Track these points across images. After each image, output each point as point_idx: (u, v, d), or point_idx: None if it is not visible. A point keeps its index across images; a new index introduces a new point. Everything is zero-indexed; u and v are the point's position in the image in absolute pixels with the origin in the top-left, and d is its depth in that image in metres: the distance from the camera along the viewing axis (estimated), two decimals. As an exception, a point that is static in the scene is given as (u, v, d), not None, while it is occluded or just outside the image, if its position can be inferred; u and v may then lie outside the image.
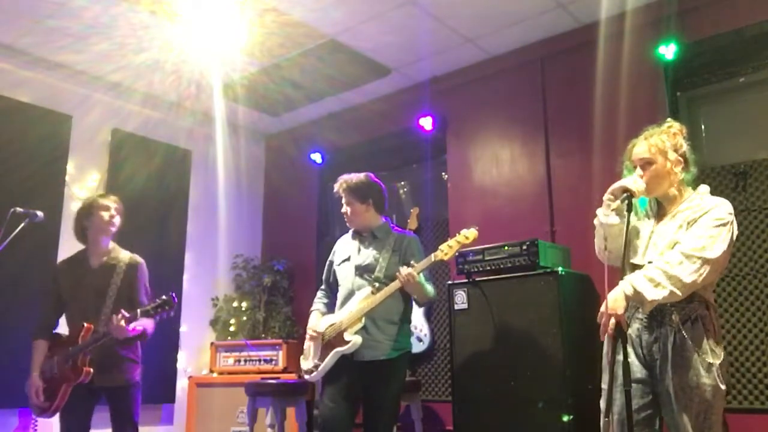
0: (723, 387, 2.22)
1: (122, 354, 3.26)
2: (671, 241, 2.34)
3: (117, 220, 3.37)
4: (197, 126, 5.77)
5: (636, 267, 2.41)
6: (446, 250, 3.01)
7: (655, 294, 2.20)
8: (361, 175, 3.32)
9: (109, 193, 3.50)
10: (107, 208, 3.33)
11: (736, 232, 2.32)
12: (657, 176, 2.40)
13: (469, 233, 3.02)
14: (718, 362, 2.22)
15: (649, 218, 2.51)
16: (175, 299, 3.18)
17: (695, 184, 2.50)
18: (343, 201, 3.32)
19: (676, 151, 2.42)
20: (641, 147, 2.46)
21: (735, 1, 3.85)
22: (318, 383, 3.30)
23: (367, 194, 3.28)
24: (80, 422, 3.23)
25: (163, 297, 3.15)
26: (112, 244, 3.42)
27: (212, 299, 5.70)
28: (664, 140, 2.43)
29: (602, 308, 2.27)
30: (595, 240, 2.50)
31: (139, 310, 3.12)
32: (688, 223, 2.32)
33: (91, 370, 3.15)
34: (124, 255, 3.40)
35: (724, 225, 2.26)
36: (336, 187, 3.33)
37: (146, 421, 4.88)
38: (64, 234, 4.74)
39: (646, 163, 2.42)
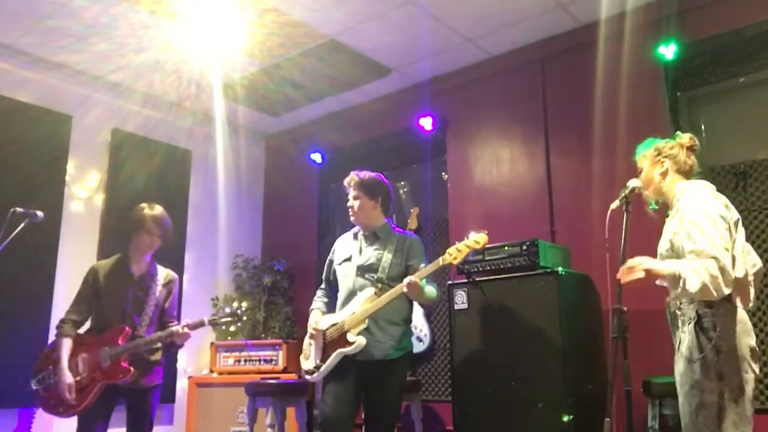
0: (714, 383, 2.19)
1: (151, 357, 3.31)
2: (661, 250, 2.42)
3: (157, 245, 3.42)
4: (197, 126, 5.78)
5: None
6: (455, 255, 2.97)
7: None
8: (373, 174, 3.33)
9: (153, 203, 3.46)
10: (151, 234, 3.35)
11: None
12: (641, 182, 2.59)
13: (480, 238, 2.97)
14: (703, 354, 2.21)
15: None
16: (242, 312, 3.49)
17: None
18: (351, 195, 3.30)
19: (659, 156, 2.54)
20: (638, 153, 2.64)
21: (735, 1, 3.85)
22: (318, 383, 3.29)
23: (376, 192, 3.29)
24: (102, 422, 3.22)
25: (229, 310, 3.46)
26: (151, 258, 3.46)
27: (212, 299, 5.70)
28: (649, 152, 2.58)
29: (638, 260, 2.28)
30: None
31: (206, 318, 3.35)
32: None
33: (134, 370, 3.18)
34: (162, 269, 3.48)
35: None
36: (347, 180, 3.32)
37: (146, 421, 4.91)
38: (64, 234, 4.76)
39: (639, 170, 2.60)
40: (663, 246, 2.43)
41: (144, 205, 3.41)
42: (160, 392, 3.37)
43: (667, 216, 2.51)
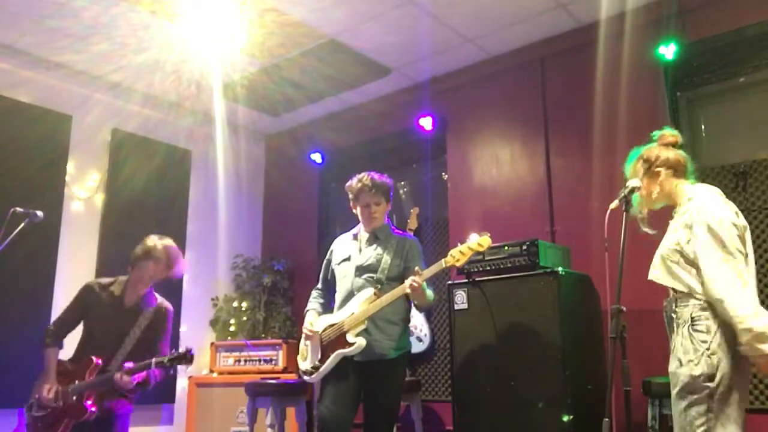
0: (703, 385, 2.19)
1: (125, 400, 3.30)
2: (664, 253, 2.40)
3: (161, 276, 3.38)
4: (197, 126, 5.78)
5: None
6: (458, 257, 2.96)
7: None
8: (383, 176, 3.31)
9: (167, 240, 3.42)
10: (158, 262, 3.30)
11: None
12: (641, 198, 2.54)
13: (483, 240, 2.96)
14: (696, 356, 2.22)
15: None
16: (192, 354, 3.19)
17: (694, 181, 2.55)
18: (371, 200, 3.22)
19: (651, 167, 2.50)
20: (627, 170, 2.60)
21: (735, 1, 3.85)
22: (317, 383, 3.29)
23: (390, 195, 3.31)
24: None
25: (181, 350, 3.17)
26: (149, 289, 3.43)
27: (212, 299, 5.70)
28: (638, 166, 2.54)
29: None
30: None
31: (153, 360, 3.13)
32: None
33: (95, 409, 3.15)
34: (159, 301, 3.44)
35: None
36: (363, 182, 3.22)
37: (146, 421, 4.92)
38: (64, 234, 4.76)
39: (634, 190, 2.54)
40: (668, 243, 2.40)
41: (154, 236, 3.40)
42: (129, 415, 3.34)
43: (675, 214, 2.49)
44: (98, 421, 3.21)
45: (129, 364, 3.18)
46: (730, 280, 2.18)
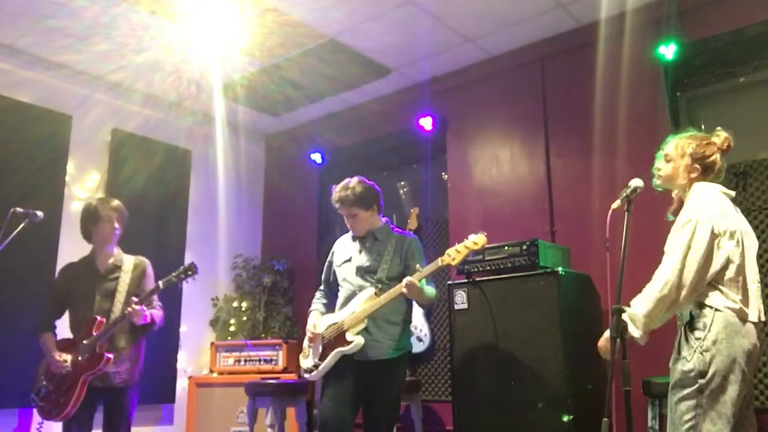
0: (695, 381, 2.20)
1: (125, 354, 3.32)
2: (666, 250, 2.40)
3: (118, 231, 3.47)
4: (197, 126, 5.77)
5: None
6: (454, 255, 2.98)
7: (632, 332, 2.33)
8: (355, 183, 3.23)
9: (110, 197, 3.56)
10: (110, 220, 3.41)
11: (705, 229, 2.27)
12: (668, 173, 2.53)
13: (478, 239, 2.98)
14: (689, 352, 2.24)
15: None
16: (196, 265, 3.32)
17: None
18: (347, 213, 3.24)
19: (698, 159, 2.47)
20: (671, 142, 2.57)
21: (735, 1, 3.85)
22: (318, 383, 3.30)
23: (370, 201, 3.25)
24: (84, 428, 3.26)
25: (185, 265, 3.32)
26: (116, 249, 3.51)
27: (212, 299, 5.70)
28: (689, 144, 2.51)
29: None
30: None
31: (160, 282, 3.28)
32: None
33: (111, 356, 3.21)
34: (129, 257, 3.50)
35: (683, 226, 2.31)
36: (335, 199, 3.25)
37: (146, 421, 4.91)
38: (64, 234, 4.75)
39: (667, 158, 2.54)
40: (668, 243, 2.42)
41: (93, 199, 3.53)
42: (137, 393, 3.38)
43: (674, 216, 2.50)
44: (109, 393, 3.27)
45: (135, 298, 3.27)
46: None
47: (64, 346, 3.32)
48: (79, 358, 3.22)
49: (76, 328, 3.37)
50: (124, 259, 3.48)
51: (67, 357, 3.24)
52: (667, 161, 2.54)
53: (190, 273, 3.29)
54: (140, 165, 5.26)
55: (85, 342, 3.23)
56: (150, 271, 3.53)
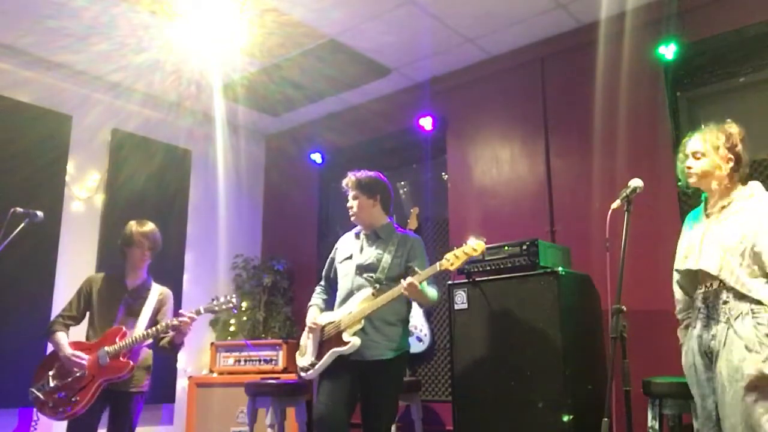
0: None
1: (139, 363, 3.37)
2: (726, 245, 2.37)
3: (149, 258, 3.55)
4: (197, 126, 5.78)
5: (690, 272, 2.47)
6: (452, 260, 2.96)
7: None
8: (371, 172, 3.34)
9: (144, 220, 3.59)
10: (140, 246, 3.48)
11: None
12: (705, 169, 2.52)
13: (477, 245, 2.96)
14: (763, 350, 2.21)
15: (699, 221, 2.55)
16: (239, 302, 3.48)
17: (744, 181, 2.56)
18: (350, 195, 3.31)
19: (730, 149, 2.50)
20: (696, 139, 2.57)
21: (735, 1, 3.85)
22: (314, 382, 3.29)
23: (375, 190, 3.29)
24: (91, 429, 3.28)
25: (228, 297, 3.48)
26: (147, 274, 3.58)
27: (212, 299, 5.69)
28: (719, 136, 2.52)
29: None
30: None
31: (202, 307, 3.40)
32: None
33: (132, 363, 3.25)
34: (157, 286, 3.58)
35: None
36: (344, 181, 3.34)
37: (146, 421, 4.90)
38: (64, 234, 4.76)
39: (697, 155, 2.53)
40: (732, 237, 2.39)
41: (133, 222, 3.54)
42: (144, 400, 3.41)
43: (711, 209, 2.50)
44: (116, 396, 3.28)
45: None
46: None
47: (79, 348, 3.32)
48: (99, 362, 3.23)
49: (93, 334, 3.38)
50: (152, 285, 3.56)
51: (85, 357, 3.25)
52: (698, 158, 2.53)
53: (232, 305, 3.44)
54: (140, 165, 5.26)
55: (107, 348, 3.24)
56: (171, 305, 3.58)
